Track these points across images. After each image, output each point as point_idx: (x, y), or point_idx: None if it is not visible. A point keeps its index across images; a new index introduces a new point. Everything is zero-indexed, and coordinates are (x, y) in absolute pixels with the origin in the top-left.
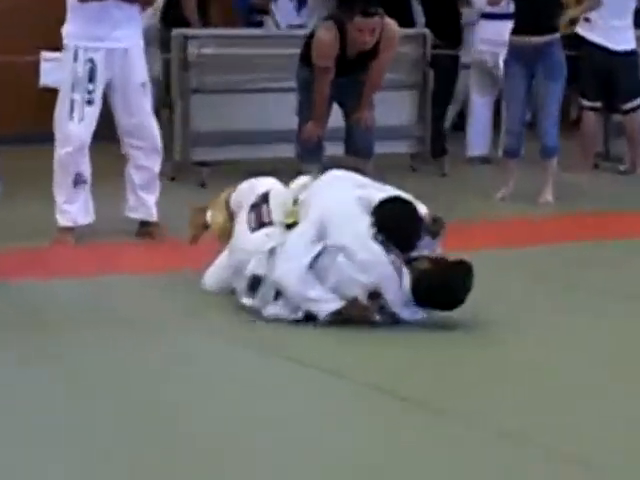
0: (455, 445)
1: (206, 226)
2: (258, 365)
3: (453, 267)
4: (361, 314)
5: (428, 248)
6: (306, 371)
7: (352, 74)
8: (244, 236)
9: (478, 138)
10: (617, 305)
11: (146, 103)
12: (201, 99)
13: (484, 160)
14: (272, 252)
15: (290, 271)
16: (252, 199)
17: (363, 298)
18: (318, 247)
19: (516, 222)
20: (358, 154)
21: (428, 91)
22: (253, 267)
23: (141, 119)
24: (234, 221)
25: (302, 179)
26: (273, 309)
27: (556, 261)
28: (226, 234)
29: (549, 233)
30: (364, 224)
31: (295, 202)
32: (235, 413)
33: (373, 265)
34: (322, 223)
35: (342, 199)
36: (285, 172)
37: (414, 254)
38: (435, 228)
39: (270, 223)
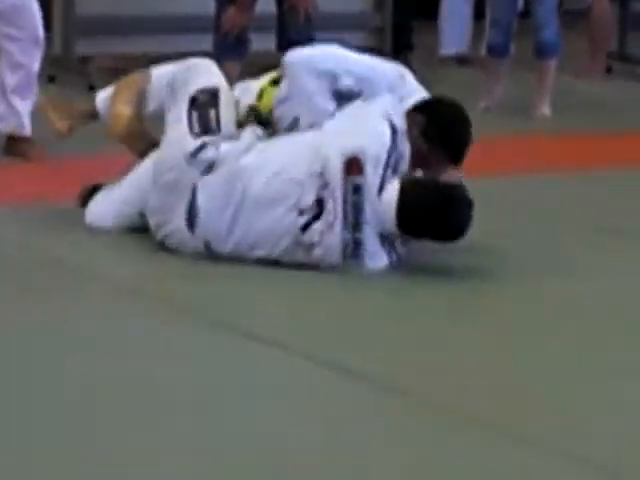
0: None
1: (93, 115)
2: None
3: (452, 187)
4: None
5: None
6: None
7: None
8: (184, 138)
9: (454, 31)
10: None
11: None
12: None
13: (462, 60)
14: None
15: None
16: (192, 90)
17: (338, 164)
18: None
19: (503, 141)
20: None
21: None
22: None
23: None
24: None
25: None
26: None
27: (553, 193)
28: (133, 135)
29: (545, 156)
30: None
31: (274, 83)
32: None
33: (361, 121)
34: None
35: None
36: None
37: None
38: None
39: (217, 128)
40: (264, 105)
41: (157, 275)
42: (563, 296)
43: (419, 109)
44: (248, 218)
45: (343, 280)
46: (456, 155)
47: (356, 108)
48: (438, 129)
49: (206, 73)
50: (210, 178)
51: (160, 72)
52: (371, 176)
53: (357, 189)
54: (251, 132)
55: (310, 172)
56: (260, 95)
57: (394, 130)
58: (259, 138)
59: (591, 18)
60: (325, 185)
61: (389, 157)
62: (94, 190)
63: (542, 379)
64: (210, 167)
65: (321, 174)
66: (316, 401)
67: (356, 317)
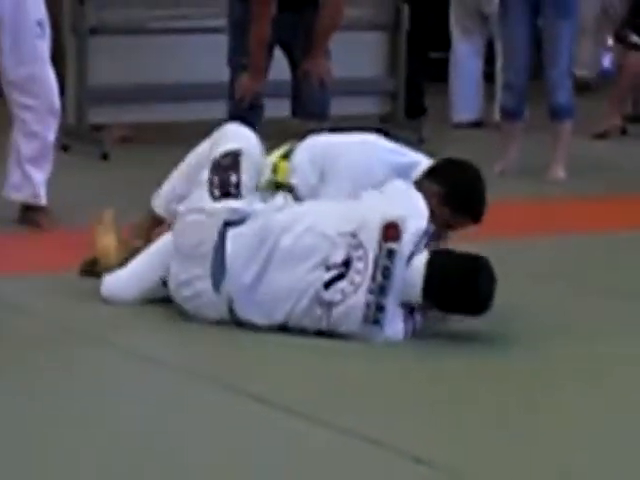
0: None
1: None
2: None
3: (479, 259)
4: None
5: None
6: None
7: (301, 9)
8: (203, 201)
9: (465, 98)
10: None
11: (42, 48)
12: (101, 42)
13: (475, 124)
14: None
15: None
16: (216, 153)
17: (375, 227)
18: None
19: (517, 204)
20: (309, 116)
21: (402, 32)
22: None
23: (34, 69)
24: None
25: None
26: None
27: (567, 256)
28: (112, 256)
29: (559, 219)
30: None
31: (285, 157)
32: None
33: (403, 196)
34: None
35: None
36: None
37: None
38: None
39: (237, 193)
40: (281, 179)
41: (173, 342)
42: (574, 359)
43: (432, 177)
44: (276, 271)
45: (360, 346)
46: (478, 216)
47: (397, 186)
48: (457, 197)
49: (234, 137)
50: (242, 229)
51: (196, 153)
52: (406, 243)
53: (390, 254)
54: (283, 197)
55: (342, 231)
56: (274, 170)
57: None
58: (290, 203)
59: (623, 69)
60: (358, 246)
61: (424, 233)
62: (96, 261)
63: (554, 446)
64: (241, 221)
65: (353, 234)
66: (335, 470)
67: (373, 383)
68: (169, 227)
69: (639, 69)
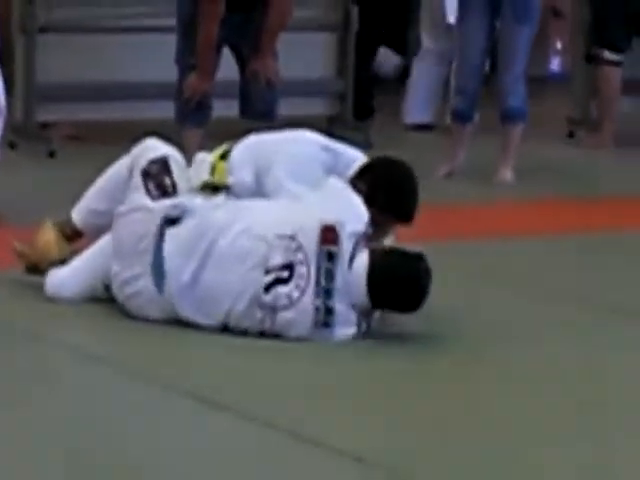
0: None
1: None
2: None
3: (419, 258)
4: None
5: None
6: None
7: (249, 9)
8: (142, 200)
9: (422, 100)
10: (584, 317)
11: None
12: (51, 40)
13: (425, 127)
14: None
15: None
16: (142, 163)
17: (313, 230)
18: None
19: (463, 207)
20: (257, 116)
21: (351, 33)
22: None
23: None
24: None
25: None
26: None
27: (511, 260)
28: (55, 249)
29: (505, 222)
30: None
31: (223, 157)
32: None
33: (341, 198)
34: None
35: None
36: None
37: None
38: None
39: (174, 192)
40: (217, 179)
41: (115, 340)
42: (510, 362)
43: (361, 176)
44: (213, 270)
45: (306, 346)
46: (405, 217)
47: (335, 186)
48: (381, 196)
49: (155, 148)
50: (179, 229)
51: (115, 168)
52: (345, 246)
53: (331, 257)
54: (223, 196)
55: (279, 233)
56: (212, 170)
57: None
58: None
59: (603, 87)
60: (297, 249)
61: (361, 236)
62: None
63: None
64: (177, 219)
65: (292, 237)
66: (269, 469)
67: (312, 383)
68: (88, 242)
69: (617, 90)
